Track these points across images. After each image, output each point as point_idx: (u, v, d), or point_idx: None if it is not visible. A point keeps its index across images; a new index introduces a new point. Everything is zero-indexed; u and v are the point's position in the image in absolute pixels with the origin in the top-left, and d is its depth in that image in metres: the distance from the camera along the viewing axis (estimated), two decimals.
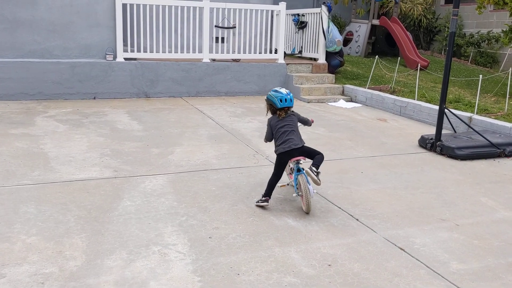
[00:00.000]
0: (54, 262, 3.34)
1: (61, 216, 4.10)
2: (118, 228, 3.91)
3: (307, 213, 4.32)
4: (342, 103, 10.09)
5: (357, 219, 4.31)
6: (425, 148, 6.74)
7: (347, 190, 5.02)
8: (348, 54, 14.31)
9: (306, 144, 4.54)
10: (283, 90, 4.51)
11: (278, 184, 4.61)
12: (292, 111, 4.60)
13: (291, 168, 4.73)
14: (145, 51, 9.83)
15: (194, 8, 9.91)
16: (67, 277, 3.17)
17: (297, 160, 4.44)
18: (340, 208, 4.55)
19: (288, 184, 4.75)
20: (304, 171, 4.35)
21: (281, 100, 4.44)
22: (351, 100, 10.36)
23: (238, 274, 3.30)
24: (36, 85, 9.03)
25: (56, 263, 3.34)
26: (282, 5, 10.54)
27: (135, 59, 9.74)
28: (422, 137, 6.89)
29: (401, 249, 3.79)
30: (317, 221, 4.24)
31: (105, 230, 3.88)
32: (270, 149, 6.40)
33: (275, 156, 6.02)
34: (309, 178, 4.38)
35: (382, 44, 15.18)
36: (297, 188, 4.44)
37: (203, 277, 3.25)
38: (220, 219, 4.18)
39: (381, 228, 4.16)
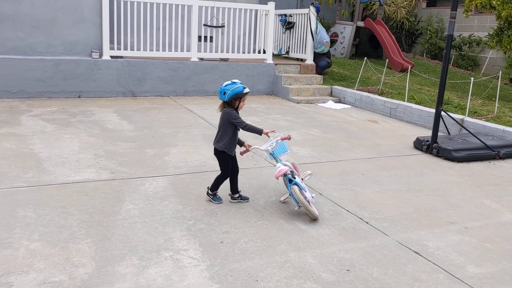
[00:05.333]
0: (62, 270, 3.16)
1: (63, 220, 3.90)
2: (125, 233, 3.75)
3: (314, 220, 4.20)
4: (331, 104, 10.07)
5: (367, 222, 4.25)
6: (420, 150, 6.74)
7: (352, 193, 4.96)
8: (333, 56, 14.32)
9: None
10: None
11: (281, 198, 4.59)
12: (225, 107, 4.43)
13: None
14: (132, 49, 9.60)
15: (183, 6, 9.74)
16: (78, 286, 2.99)
17: (285, 172, 4.32)
18: (348, 211, 4.48)
19: (289, 196, 4.44)
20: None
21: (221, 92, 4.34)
22: (339, 101, 10.35)
23: (257, 281, 3.19)
24: (19, 82, 8.70)
25: (65, 270, 3.16)
26: (271, 4, 10.46)
27: (121, 57, 9.50)
28: (417, 139, 6.90)
29: (416, 253, 3.74)
30: (327, 224, 4.16)
31: (111, 235, 3.71)
32: None
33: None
34: (303, 185, 4.31)
35: (366, 46, 15.25)
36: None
37: (221, 284, 3.13)
38: (228, 223, 4.05)
39: (392, 231, 4.10)
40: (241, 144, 4.58)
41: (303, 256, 3.56)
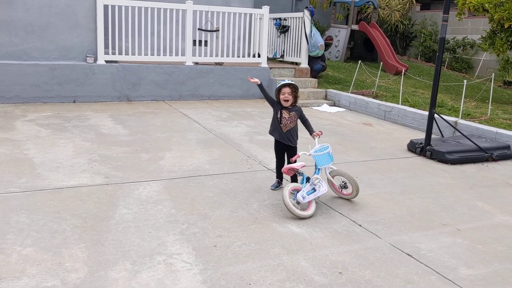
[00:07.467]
0: (55, 275, 3.17)
1: (56, 225, 3.91)
2: (118, 238, 3.75)
3: (303, 219, 4.29)
4: (325, 107, 10.10)
5: (360, 225, 4.27)
6: (414, 152, 6.77)
7: None
8: (328, 59, 14.37)
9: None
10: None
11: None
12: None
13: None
14: (126, 53, 9.61)
15: (177, 10, 9.76)
16: None
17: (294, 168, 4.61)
18: (341, 214, 4.50)
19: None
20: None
21: None
22: (334, 105, 10.39)
23: (250, 284, 3.20)
24: (13, 88, 8.70)
25: (57, 275, 3.16)
26: (266, 8, 10.50)
27: (116, 61, 9.51)
28: (411, 141, 6.93)
29: (409, 255, 3.76)
30: (320, 227, 4.17)
31: (104, 239, 3.71)
32: (262, 154, 6.33)
33: (267, 161, 6.01)
34: (307, 189, 4.46)
35: (360, 49, 15.31)
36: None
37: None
38: (222, 227, 4.06)
39: (385, 234, 4.12)
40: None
41: (296, 259, 3.57)
